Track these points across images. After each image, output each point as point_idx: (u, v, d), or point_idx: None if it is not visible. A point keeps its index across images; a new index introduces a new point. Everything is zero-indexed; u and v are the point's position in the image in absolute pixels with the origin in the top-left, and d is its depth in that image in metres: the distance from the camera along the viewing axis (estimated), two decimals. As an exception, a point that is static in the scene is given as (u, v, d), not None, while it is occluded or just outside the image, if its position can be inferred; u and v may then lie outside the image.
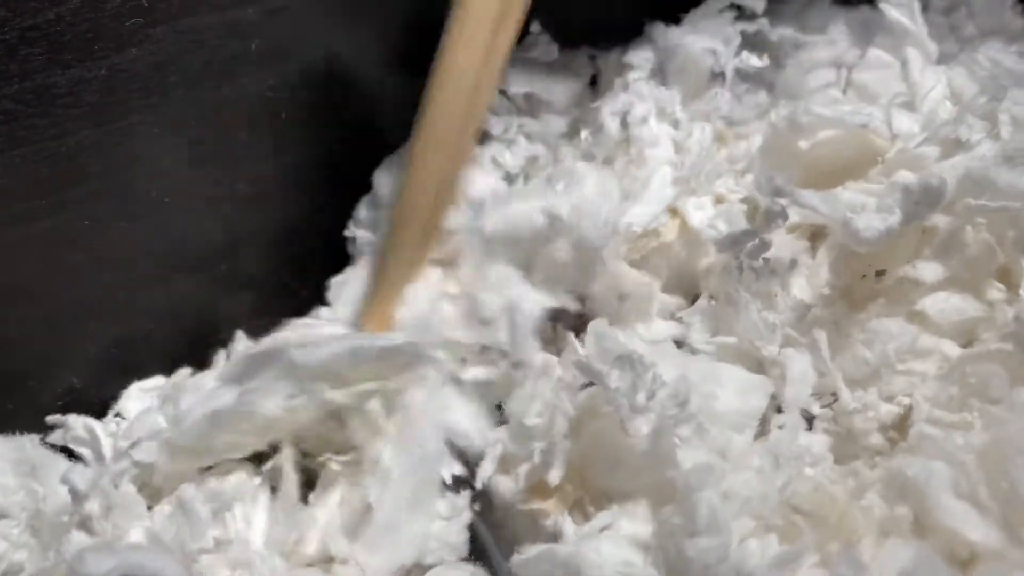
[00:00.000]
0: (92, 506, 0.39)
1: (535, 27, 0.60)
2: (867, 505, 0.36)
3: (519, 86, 0.59)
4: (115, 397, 0.55)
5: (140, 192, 0.51)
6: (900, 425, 0.41)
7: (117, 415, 0.54)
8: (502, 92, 0.60)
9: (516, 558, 0.38)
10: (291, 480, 0.41)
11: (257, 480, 0.42)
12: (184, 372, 0.56)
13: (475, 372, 0.45)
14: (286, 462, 0.42)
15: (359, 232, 0.57)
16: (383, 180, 0.56)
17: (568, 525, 0.39)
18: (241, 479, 0.41)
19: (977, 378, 0.38)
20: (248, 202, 0.56)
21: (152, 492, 0.43)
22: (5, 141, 0.45)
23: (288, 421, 0.41)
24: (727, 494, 0.34)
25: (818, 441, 0.39)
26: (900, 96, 0.53)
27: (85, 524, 0.39)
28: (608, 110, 0.56)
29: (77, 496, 0.39)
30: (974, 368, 0.39)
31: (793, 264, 0.45)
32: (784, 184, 0.42)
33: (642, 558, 0.35)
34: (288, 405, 0.40)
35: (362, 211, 0.57)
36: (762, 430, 0.40)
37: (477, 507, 0.43)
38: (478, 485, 0.44)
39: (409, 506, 0.40)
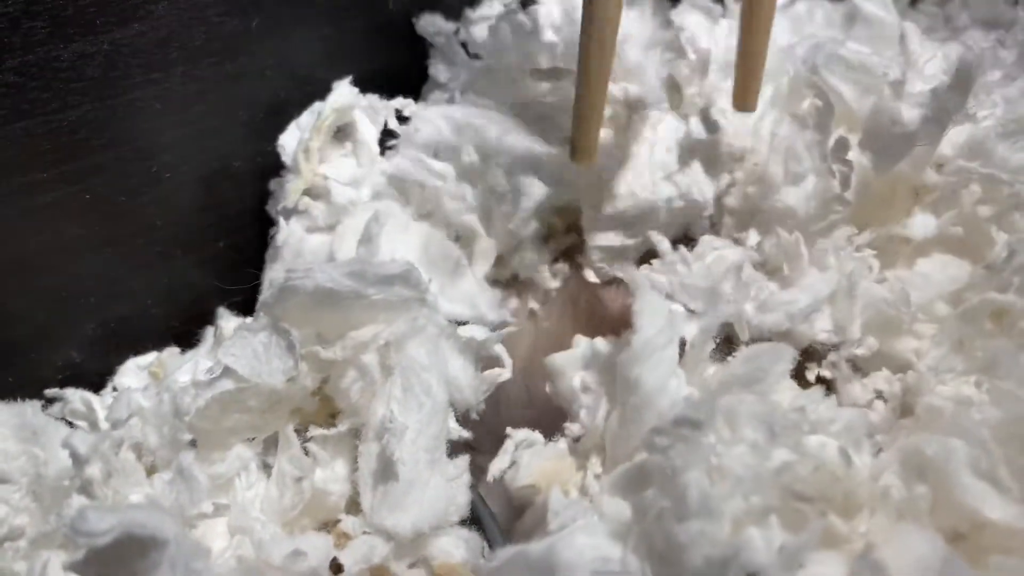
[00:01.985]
0: (93, 471, 0.39)
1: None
2: (885, 485, 0.35)
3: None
4: (112, 372, 0.56)
5: (140, 168, 0.51)
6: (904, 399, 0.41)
7: (114, 389, 0.55)
8: (463, 45, 0.61)
9: (485, 565, 0.37)
10: (294, 446, 0.42)
11: (256, 451, 0.42)
12: (173, 351, 0.57)
13: (468, 330, 0.46)
14: (287, 431, 0.42)
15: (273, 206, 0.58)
16: (288, 142, 0.57)
17: (558, 501, 0.38)
18: (240, 451, 0.42)
19: (984, 353, 0.39)
20: (245, 181, 0.57)
21: (148, 465, 0.44)
22: (8, 114, 0.45)
23: (288, 396, 0.42)
24: (718, 468, 0.33)
25: (825, 406, 0.38)
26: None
27: (86, 488, 0.40)
28: None
29: (78, 460, 0.40)
30: (983, 343, 0.39)
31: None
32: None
33: (620, 549, 0.34)
34: (288, 376, 0.40)
35: (272, 186, 0.58)
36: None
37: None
38: (489, 478, 0.44)
39: (428, 463, 0.40)
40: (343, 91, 0.57)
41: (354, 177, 0.55)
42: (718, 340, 0.43)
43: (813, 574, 0.30)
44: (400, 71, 0.60)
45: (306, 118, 0.57)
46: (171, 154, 0.52)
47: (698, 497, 0.31)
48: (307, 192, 0.55)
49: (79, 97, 0.47)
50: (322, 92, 0.57)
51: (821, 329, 0.44)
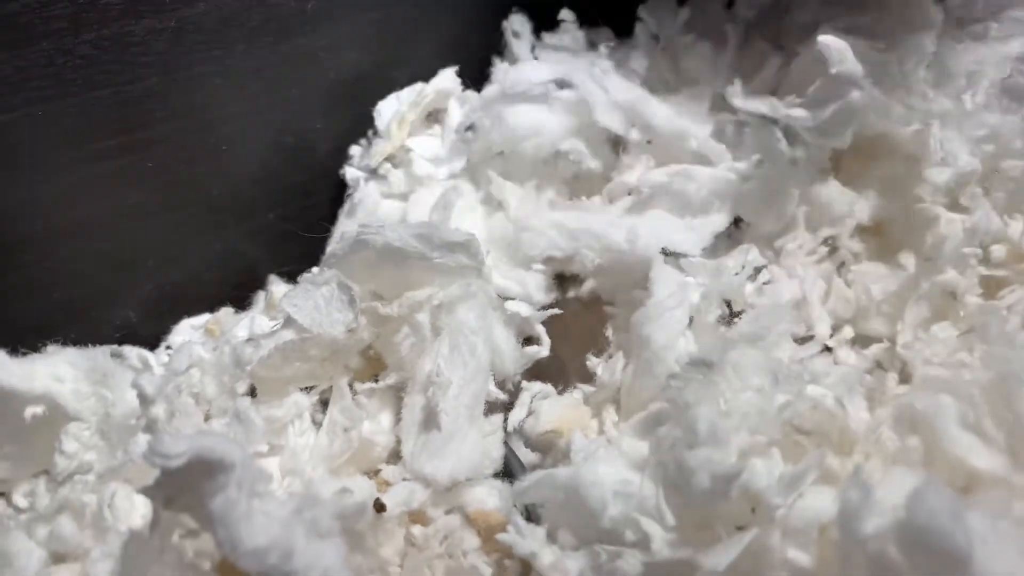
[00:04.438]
0: (157, 410, 0.43)
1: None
2: (880, 438, 0.38)
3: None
4: (166, 333, 0.59)
5: (199, 139, 0.55)
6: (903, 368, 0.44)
7: (168, 348, 0.58)
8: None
9: (517, 485, 0.41)
10: (347, 397, 0.45)
11: (310, 401, 0.45)
12: (228, 310, 0.60)
13: (515, 306, 0.49)
14: (340, 383, 0.45)
15: (350, 170, 0.61)
16: (386, 111, 0.61)
17: (579, 441, 0.42)
18: (297, 398, 0.45)
19: (974, 320, 0.42)
20: (296, 155, 0.60)
21: (204, 413, 0.47)
22: (83, 84, 0.49)
23: (346, 347, 0.45)
24: (726, 412, 0.37)
25: (820, 362, 0.42)
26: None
27: (150, 427, 0.43)
28: None
29: (145, 400, 0.43)
30: (977, 313, 0.42)
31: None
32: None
33: (638, 477, 0.37)
34: (349, 327, 0.43)
35: (353, 150, 0.62)
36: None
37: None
38: (509, 428, 0.47)
39: (467, 418, 0.44)
40: (446, 77, 0.61)
41: (436, 156, 0.60)
42: (723, 307, 0.46)
43: (809, 503, 0.33)
44: (448, 60, 0.63)
45: (407, 93, 0.61)
46: (229, 127, 0.55)
47: (707, 428, 0.34)
48: (389, 159, 0.59)
49: (147, 70, 0.50)
50: (370, 74, 0.60)
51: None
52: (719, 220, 0.51)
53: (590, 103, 0.55)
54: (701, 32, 0.60)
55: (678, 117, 0.54)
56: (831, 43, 0.45)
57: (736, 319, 0.44)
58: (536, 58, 0.63)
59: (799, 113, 0.47)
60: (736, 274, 0.46)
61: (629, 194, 0.54)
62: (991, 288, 0.43)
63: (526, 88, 0.56)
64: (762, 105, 0.48)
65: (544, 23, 0.64)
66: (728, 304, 0.46)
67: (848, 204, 0.48)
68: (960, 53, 0.53)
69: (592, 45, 0.67)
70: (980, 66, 0.53)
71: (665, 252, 0.49)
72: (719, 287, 0.45)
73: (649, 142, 0.54)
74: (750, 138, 0.51)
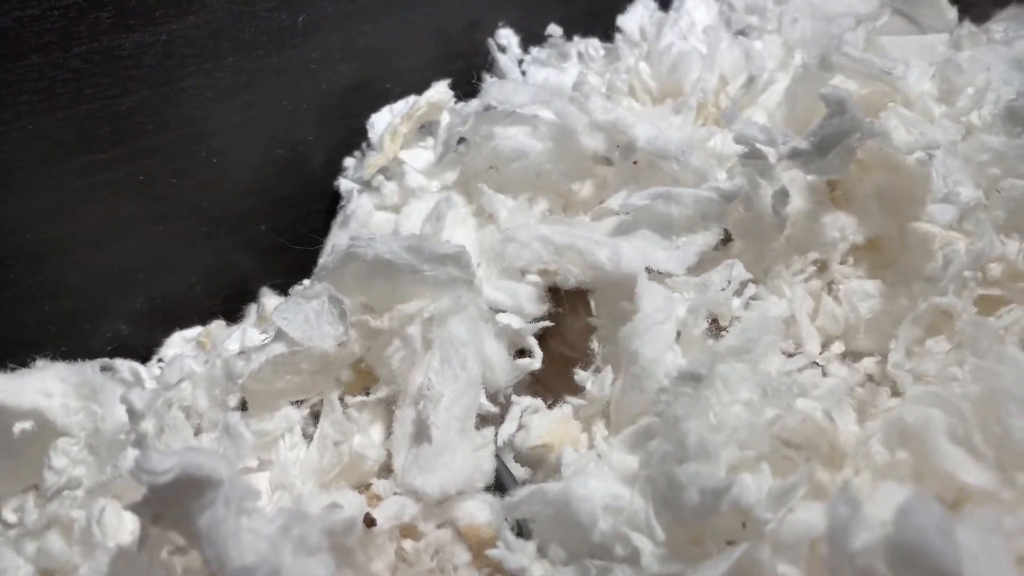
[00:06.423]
0: (147, 426, 0.42)
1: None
2: (870, 451, 0.38)
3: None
4: (157, 345, 0.59)
5: (190, 152, 0.55)
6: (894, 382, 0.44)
7: (160, 361, 0.58)
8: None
9: (508, 499, 0.40)
10: (337, 411, 0.44)
11: (301, 415, 0.45)
12: (219, 323, 0.60)
13: (506, 318, 0.49)
14: (331, 397, 0.45)
15: (343, 182, 0.62)
16: (379, 123, 0.61)
17: (569, 455, 0.42)
18: (288, 412, 0.45)
19: (967, 335, 0.41)
20: (287, 167, 0.60)
21: (195, 427, 0.47)
22: (73, 97, 0.49)
23: (337, 360, 0.45)
24: (716, 426, 0.37)
25: (809, 375, 0.42)
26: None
27: (140, 443, 0.43)
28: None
29: (134, 415, 0.42)
30: (969, 328, 0.42)
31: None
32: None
33: (628, 491, 0.37)
34: (339, 341, 0.43)
35: (347, 162, 0.63)
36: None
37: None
38: (499, 443, 0.47)
39: (458, 431, 0.43)
40: (440, 89, 0.61)
41: (428, 168, 0.60)
42: (709, 321, 0.45)
43: (799, 517, 0.33)
44: (439, 72, 0.63)
45: (400, 105, 0.62)
46: (220, 140, 0.55)
47: (697, 442, 0.34)
48: (382, 171, 0.60)
49: (137, 84, 0.51)
50: (362, 86, 0.60)
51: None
52: (704, 240, 0.51)
53: (573, 127, 0.54)
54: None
55: (661, 136, 0.54)
56: (831, 95, 0.45)
57: (723, 333, 0.44)
58: (524, 72, 0.63)
59: (800, 148, 0.46)
60: (722, 289, 0.46)
61: (617, 213, 0.54)
62: (985, 306, 0.43)
63: (511, 109, 0.56)
64: (760, 133, 0.47)
65: (532, 37, 0.65)
66: (714, 319, 0.46)
67: (840, 230, 0.48)
68: (967, 61, 0.53)
69: (580, 56, 0.67)
70: (987, 73, 0.53)
71: (649, 271, 0.49)
72: (705, 301, 0.45)
73: (635, 163, 0.54)
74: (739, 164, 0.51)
